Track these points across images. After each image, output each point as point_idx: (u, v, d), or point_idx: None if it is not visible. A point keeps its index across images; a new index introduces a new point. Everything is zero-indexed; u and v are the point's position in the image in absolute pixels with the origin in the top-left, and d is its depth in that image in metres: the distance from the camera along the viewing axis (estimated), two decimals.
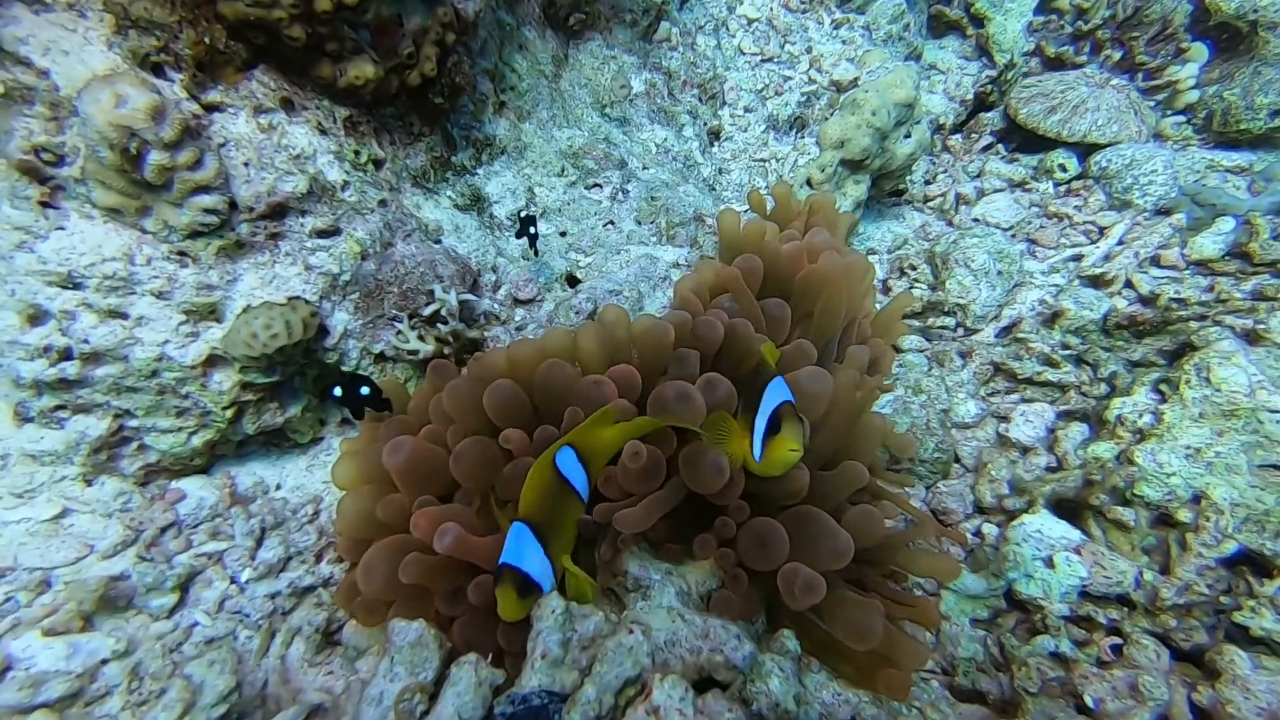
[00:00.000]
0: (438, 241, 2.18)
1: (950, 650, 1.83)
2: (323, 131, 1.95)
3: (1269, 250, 2.86)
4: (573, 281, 2.29)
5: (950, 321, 2.84)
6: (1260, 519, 2.02)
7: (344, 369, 1.97)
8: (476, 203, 2.38)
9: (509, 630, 1.42)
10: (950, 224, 3.44)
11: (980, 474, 2.27)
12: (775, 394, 1.38)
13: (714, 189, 3.22)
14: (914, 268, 3.02)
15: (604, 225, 2.49)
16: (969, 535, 2.15)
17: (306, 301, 1.84)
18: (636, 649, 1.23)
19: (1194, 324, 2.66)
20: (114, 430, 1.76)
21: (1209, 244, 3.03)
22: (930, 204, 3.54)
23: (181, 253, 1.72)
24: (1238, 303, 2.79)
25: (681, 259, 2.38)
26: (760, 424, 1.36)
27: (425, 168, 2.28)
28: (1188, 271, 3.05)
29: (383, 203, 2.06)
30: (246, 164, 1.77)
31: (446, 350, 2.02)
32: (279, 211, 1.84)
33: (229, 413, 1.84)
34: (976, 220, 3.39)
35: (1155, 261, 3.11)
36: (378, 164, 2.13)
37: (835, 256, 1.88)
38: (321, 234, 1.91)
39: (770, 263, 1.91)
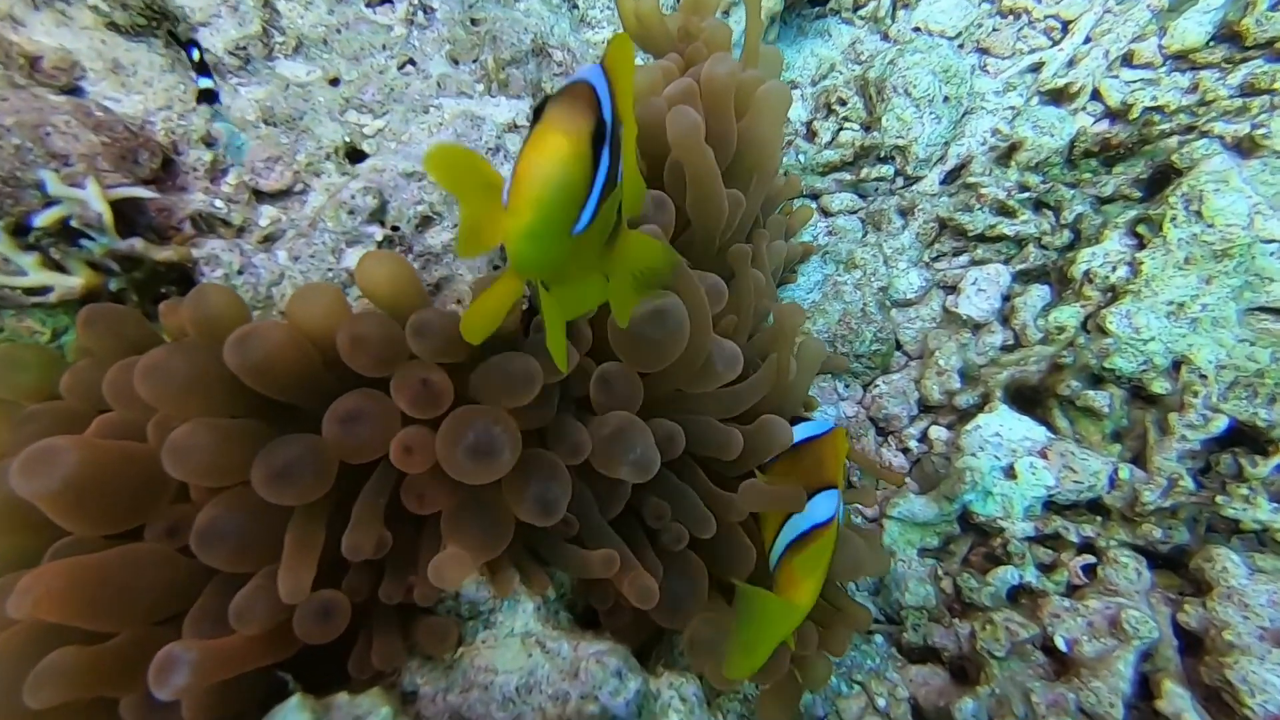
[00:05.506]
0: (73, 91, 1.34)
1: (896, 596, 1.51)
2: None
3: (1265, 24, 2.29)
4: (355, 157, 1.54)
5: (888, 170, 2.28)
6: (1252, 382, 1.68)
7: None
8: (160, 21, 1.48)
9: None
10: (886, 37, 2.75)
11: (926, 364, 1.85)
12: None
13: (576, 5, 2.36)
14: (843, 102, 2.40)
15: (400, 67, 1.68)
16: (914, 441, 1.78)
17: None
18: None
19: (1175, 139, 2.17)
20: None
21: (1192, 27, 2.45)
22: (861, 11, 2.81)
23: None
24: (1225, 103, 2.28)
25: (520, 117, 1.65)
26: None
27: None
28: (1164, 69, 2.51)
29: None
30: None
31: (113, 285, 1.23)
32: None
33: None
34: (918, 30, 2.71)
35: (1127, 60, 2.55)
36: None
37: (684, 119, 1.23)
38: None
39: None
